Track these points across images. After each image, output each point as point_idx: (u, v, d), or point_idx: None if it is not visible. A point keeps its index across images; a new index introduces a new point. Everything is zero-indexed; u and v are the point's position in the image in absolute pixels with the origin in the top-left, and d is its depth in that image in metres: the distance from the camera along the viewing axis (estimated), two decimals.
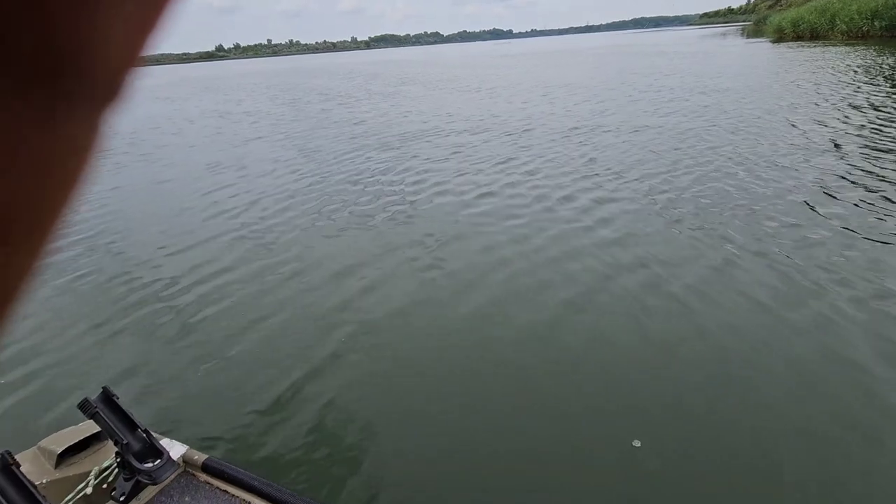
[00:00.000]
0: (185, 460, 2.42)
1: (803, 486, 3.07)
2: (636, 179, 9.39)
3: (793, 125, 12.79)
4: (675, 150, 11.16)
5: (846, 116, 13.26)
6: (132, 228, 8.88)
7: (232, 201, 10.10)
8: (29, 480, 1.94)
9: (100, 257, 7.63)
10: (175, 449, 2.41)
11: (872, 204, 7.35)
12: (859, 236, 6.34)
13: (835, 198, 7.70)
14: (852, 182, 8.32)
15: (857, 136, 11.24)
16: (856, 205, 7.35)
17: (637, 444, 3.42)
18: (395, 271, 6.52)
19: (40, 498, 1.92)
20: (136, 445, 2.22)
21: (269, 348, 5.02)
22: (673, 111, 15.97)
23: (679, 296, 5.30)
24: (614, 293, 5.49)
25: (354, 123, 18.65)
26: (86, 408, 2.16)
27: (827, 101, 15.59)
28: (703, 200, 8.04)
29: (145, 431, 2.27)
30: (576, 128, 14.60)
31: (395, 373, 4.52)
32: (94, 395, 2.22)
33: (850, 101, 15.27)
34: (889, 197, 7.58)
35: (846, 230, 6.54)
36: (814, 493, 3.04)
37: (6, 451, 1.93)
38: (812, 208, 7.37)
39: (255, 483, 2.30)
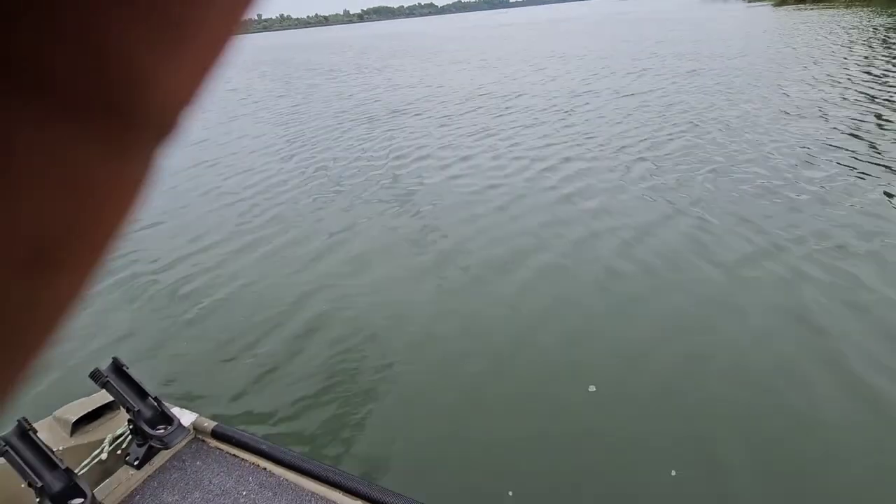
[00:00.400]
0: (195, 427, 2.49)
1: (733, 424, 3.30)
2: (613, 146, 9.49)
3: (768, 90, 12.84)
4: (655, 118, 11.24)
5: (825, 81, 13.30)
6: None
7: (217, 177, 10.11)
8: (46, 445, 2.00)
9: None
10: (185, 417, 2.47)
11: (835, 167, 7.47)
12: (821, 197, 6.47)
13: (802, 161, 7.81)
14: (817, 147, 8.41)
15: (832, 100, 11.31)
16: (814, 166, 7.51)
17: (592, 388, 3.68)
18: (377, 237, 6.68)
19: (57, 461, 1.99)
20: (147, 412, 2.29)
21: (258, 315, 5.13)
22: (660, 79, 15.92)
23: (640, 258, 5.47)
24: (581, 253, 5.71)
25: (343, 98, 18.47)
26: (97, 377, 2.22)
27: (807, 66, 15.61)
28: (673, 166, 8.17)
29: (156, 399, 2.33)
30: (561, 97, 14.58)
31: (380, 329, 4.69)
32: (104, 366, 2.28)
33: (832, 66, 15.29)
34: (840, 160, 7.69)
35: (806, 193, 6.66)
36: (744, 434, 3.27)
37: (22, 417, 1.99)
38: (774, 171, 7.50)
39: (263, 447, 2.37)
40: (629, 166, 8.24)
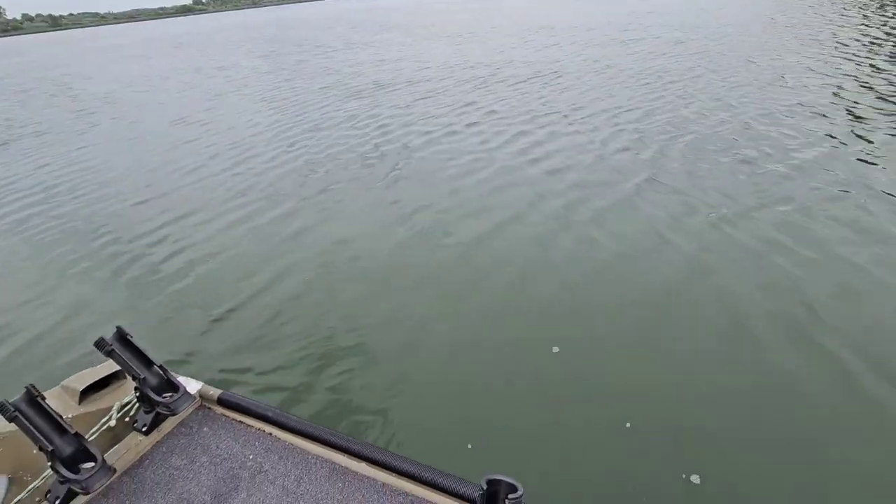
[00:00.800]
0: (201, 395, 2.49)
1: (669, 373, 3.57)
2: (586, 117, 9.62)
3: (751, 61, 12.87)
4: (630, 88, 11.33)
5: (797, 51, 13.38)
6: (107, 182, 8.87)
7: (198, 152, 10.09)
8: (55, 411, 2.01)
9: (78, 209, 7.67)
10: (191, 385, 2.48)
11: (794, 137, 7.60)
12: (760, 166, 6.67)
13: (757, 130, 7.97)
14: (786, 114, 8.56)
15: (810, 69, 11.41)
16: (778, 137, 7.65)
17: (556, 350, 3.86)
18: (359, 203, 6.86)
19: (67, 427, 1.99)
20: (153, 380, 2.29)
21: (238, 277, 5.28)
22: (642, 49, 15.88)
23: (597, 221, 5.71)
24: (542, 215, 5.95)
25: (329, 73, 18.20)
26: (101, 345, 2.21)
27: (795, 36, 15.66)
28: (638, 134, 8.35)
29: (161, 367, 2.33)
30: (545, 69, 14.51)
31: (367, 290, 4.88)
32: (108, 335, 2.28)
33: (817, 36, 15.35)
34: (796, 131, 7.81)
35: (750, 161, 6.86)
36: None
37: (30, 384, 1.99)
38: (736, 141, 7.65)
39: (268, 413, 2.39)
40: (597, 135, 8.46)
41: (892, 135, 7.27)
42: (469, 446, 3.12)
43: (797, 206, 5.53)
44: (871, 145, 6.92)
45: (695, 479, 2.77)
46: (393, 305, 4.56)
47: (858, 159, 6.54)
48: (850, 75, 10.53)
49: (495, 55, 17.98)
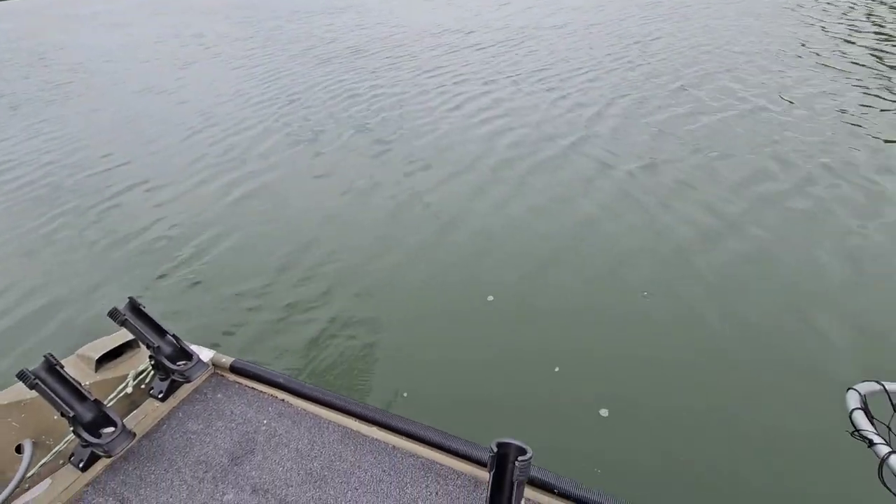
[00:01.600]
0: (214, 363, 2.55)
1: (606, 330, 3.93)
2: (537, 78, 10.01)
3: (725, 28, 13.00)
4: (597, 52, 11.46)
5: (770, 15, 13.56)
6: (87, 158, 8.75)
7: (167, 122, 10.06)
8: (74, 379, 2.05)
9: (65, 190, 7.60)
10: (203, 353, 2.53)
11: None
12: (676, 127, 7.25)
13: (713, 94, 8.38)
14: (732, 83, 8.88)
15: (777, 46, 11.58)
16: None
17: (490, 298, 4.22)
18: (319, 166, 7.22)
19: (86, 393, 2.04)
20: (167, 349, 2.33)
21: (223, 249, 5.47)
22: (625, 16, 15.83)
23: (531, 176, 6.16)
24: (495, 178, 6.35)
25: (305, 39, 17.83)
26: (115, 315, 2.25)
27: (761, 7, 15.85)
28: (593, 98, 8.70)
29: (174, 336, 2.37)
30: (520, 33, 14.51)
31: (333, 242, 5.31)
32: (122, 305, 2.31)
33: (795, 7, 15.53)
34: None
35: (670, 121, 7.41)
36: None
37: (48, 353, 2.03)
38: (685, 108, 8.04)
39: (280, 380, 2.45)
40: (554, 100, 8.80)
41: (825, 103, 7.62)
42: (405, 394, 3.41)
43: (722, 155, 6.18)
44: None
45: (603, 412, 3.22)
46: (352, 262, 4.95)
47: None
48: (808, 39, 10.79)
49: (472, 19, 17.82)
